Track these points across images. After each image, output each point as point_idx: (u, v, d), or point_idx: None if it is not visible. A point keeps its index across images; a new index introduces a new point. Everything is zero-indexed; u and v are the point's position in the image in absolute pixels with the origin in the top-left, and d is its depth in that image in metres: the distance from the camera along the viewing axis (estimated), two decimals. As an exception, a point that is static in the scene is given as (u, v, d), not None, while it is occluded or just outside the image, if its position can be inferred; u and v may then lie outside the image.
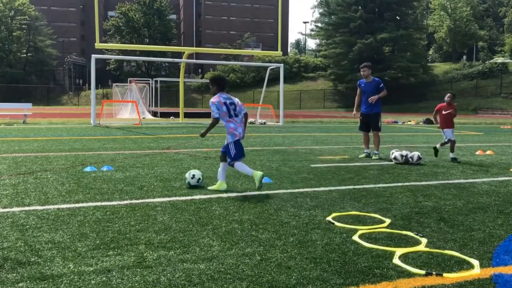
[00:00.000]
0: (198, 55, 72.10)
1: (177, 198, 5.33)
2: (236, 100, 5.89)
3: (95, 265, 3.20)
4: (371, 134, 9.46)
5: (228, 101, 5.80)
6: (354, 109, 9.78)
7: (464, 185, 6.41)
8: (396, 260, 3.36)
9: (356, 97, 9.62)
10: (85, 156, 8.87)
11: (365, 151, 9.52)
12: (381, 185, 6.35)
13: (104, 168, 7.28)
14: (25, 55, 68.91)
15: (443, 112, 9.14)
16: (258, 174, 5.59)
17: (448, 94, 9.28)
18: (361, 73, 9.41)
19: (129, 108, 27.00)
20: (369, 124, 9.37)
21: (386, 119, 25.63)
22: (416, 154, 8.49)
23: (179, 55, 62.27)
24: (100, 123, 19.81)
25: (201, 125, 20.44)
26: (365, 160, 8.91)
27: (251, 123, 22.96)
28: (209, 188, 5.83)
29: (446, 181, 6.70)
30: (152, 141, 12.44)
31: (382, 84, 9.23)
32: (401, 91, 50.45)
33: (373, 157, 9.13)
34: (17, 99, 53.35)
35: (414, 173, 7.43)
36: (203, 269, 3.16)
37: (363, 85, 9.36)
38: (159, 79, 35.88)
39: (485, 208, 5.04)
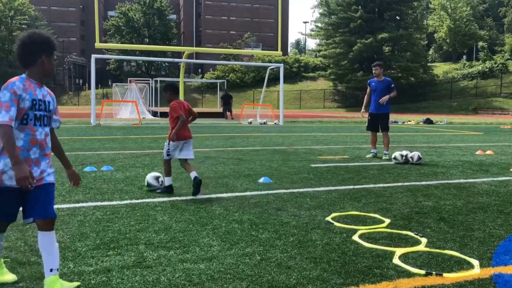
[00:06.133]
0: (198, 55, 72.11)
1: (177, 198, 5.33)
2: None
3: (95, 265, 3.20)
4: (379, 134, 9.42)
5: None
6: (363, 107, 9.73)
7: (464, 185, 6.41)
8: (396, 260, 3.36)
9: (366, 96, 9.59)
10: (85, 156, 8.87)
11: (372, 151, 9.49)
12: (381, 185, 6.35)
13: (104, 168, 7.28)
14: (25, 55, 68.82)
15: None
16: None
17: None
18: (373, 71, 9.35)
19: (129, 108, 27.00)
20: (378, 124, 9.34)
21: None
22: (416, 154, 8.48)
23: (179, 55, 62.28)
24: (100, 123, 19.81)
25: (201, 125, 20.43)
26: (365, 160, 8.91)
27: (250, 123, 22.97)
28: None
29: (446, 181, 6.70)
30: (152, 141, 12.43)
31: (393, 84, 9.24)
32: (401, 91, 50.51)
33: (383, 157, 9.10)
34: (17, 99, 53.23)
35: (414, 173, 7.43)
36: (203, 269, 3.16)
37: (373, 83, 9.33)
38: (159, 79, 35.91)
39: (485, 208, 5.04)
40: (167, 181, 5.63)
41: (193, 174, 5.49)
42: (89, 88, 47.25)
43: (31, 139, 2.74)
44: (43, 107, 2.80)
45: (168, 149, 5.65)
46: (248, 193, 5.67)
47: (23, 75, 2.80)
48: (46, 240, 2.76)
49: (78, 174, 3.08)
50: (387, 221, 4.44)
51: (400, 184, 6.43)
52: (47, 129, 2.85)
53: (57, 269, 2.77)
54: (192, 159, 5.82)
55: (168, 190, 5.59)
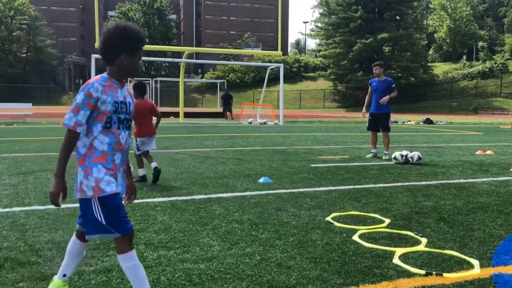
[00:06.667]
0: (198, 55, 72.11)
1: (177, 198, 5.33)
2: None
3: (95, 265, 3.20)
4: (379, 134, 9.42)
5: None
6: (364, 107, 9.76)
7: (464, 185, 6.41)
8: (396, 260, 3.36)
9: (367, 96, 9.60)
10: (85, 156, 8.85)
11: (372, 151, 9.49)
12: (381, 185, 6.35)
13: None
14: (25, 55, 68.87)
15: None
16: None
17: None
18: (373, 71, 9.39)
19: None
20: (378, 124, 9.34)
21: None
22: (416, 154, 8.48)
23: (179, 55, 62.27)
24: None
25: (201, 125, 20.43)
26: (365, 160, 8.91)
27: (250, 123, 22.95)
28: None
29: (446, 181, 6.70)
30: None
31: (394, 85, 9.23)
32: (401, 91, 50.42)
33: (383, 157, 9.10)
34: (17, 99, 53.35)
35: (414, 173, 7.43)
36: (203, 269, 3.16)
37: (374, 83, 9.33)
38: (159, 79, 35.93)
39: (485, 208, 5.04)
40: (141, 172, 6.40)
41: (153, 165, 6.29)
42: (89, 88, 47.06)
43: (116, 143, 2.48)
44: (124, 109, 2.52)
45: (137, 145, 6.42)
46: (248, 193, 5.67)
47: (105, 74, 2.51)
48: (78, 247, 2.72)
49: (135, 188, 2.78)
50: (387, 221, 4.44)
51: (400, 184, 6.44)
52: (128, 133, 2.59)
53: (69, 277, 2.75)
54: (154, 149, 6.61)
55: (143, 180, 6.32)
